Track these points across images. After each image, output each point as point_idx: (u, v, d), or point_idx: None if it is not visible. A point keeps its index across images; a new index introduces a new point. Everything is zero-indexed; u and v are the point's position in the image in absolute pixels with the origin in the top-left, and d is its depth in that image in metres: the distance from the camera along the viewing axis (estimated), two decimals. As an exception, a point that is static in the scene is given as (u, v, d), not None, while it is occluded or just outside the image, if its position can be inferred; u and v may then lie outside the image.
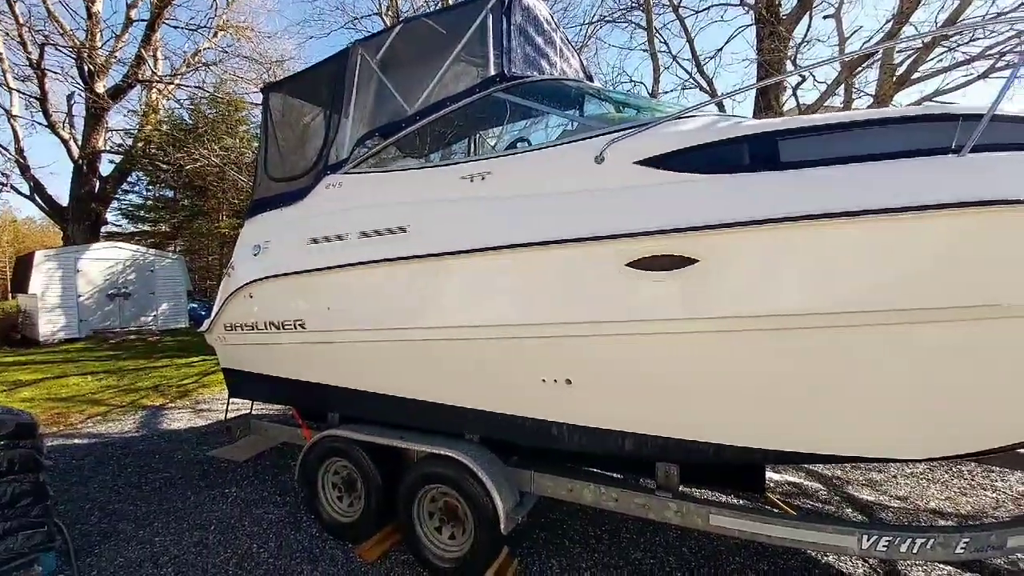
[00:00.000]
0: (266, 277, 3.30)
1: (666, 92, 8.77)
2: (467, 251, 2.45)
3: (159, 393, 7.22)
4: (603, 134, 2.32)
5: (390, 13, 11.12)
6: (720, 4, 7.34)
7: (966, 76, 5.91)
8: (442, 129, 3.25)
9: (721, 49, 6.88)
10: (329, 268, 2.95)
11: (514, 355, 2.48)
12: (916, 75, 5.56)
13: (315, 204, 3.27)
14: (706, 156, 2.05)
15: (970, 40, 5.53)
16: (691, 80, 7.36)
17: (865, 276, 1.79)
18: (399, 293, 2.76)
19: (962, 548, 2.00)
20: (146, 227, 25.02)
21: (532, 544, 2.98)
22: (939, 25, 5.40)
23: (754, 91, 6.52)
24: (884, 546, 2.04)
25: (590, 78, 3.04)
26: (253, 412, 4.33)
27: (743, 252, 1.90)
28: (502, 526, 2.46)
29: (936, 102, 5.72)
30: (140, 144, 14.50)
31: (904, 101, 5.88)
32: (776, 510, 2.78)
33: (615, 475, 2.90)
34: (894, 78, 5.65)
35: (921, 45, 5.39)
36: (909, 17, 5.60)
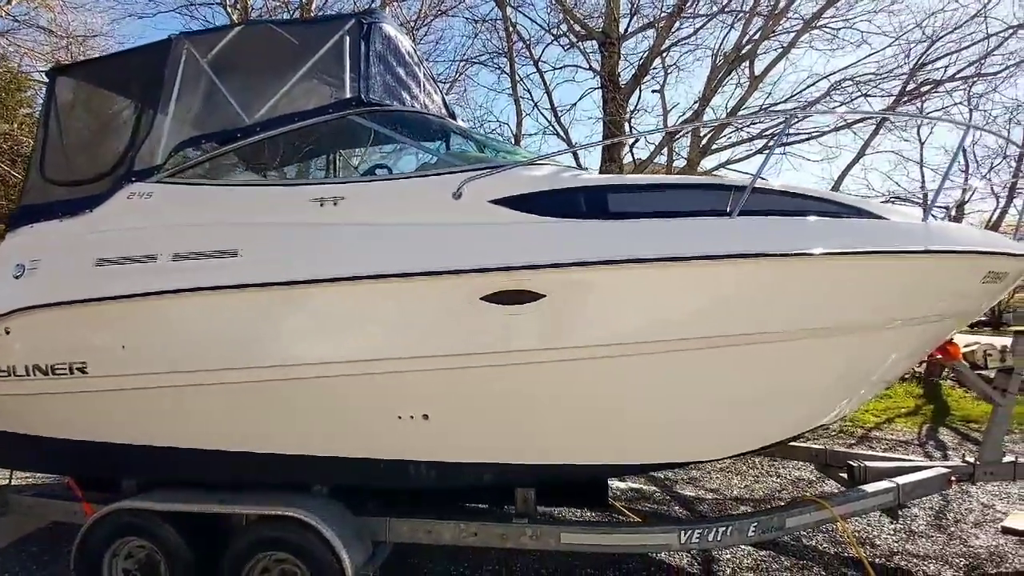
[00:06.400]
0: (33, 307, 2.53)
1: (529, 135, 9.73)
2: (317, 281, 2.23)
3: None
4: (461, 171, 2.38)
5: (238, 7, 9.80)
6: (572, 66, 8.60)
7: (747, 151, 8.08)
8: (289, 146, 2.96)
9: (575, 104, 8.00)
10: (125, 297, 2.39)
11: (368, 392, 2.32)
12: (714, 146, 7.26)
13: (110, 217, 2.65)
14: (552, 201, 2.25)
15: (750, 124, 7.44)
16: (551, 127, 8.27)
17: (678, 307, 2.15)
18: (225, 327, 2.37)
19: (752, 531, 2.45)
20: None
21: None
22: (728, 112, 7.12)
23: (600, 145, 7.68)
24: (697, 539, 2.38)
25: (453, 116, 3.12)
26: (12, 483, 3.25)
27: (582, 288, 2.12)
28: (350, 586, 2.20)
29: (729, 169, 7.52)
30: None
31: (707, 165, 7.57)
32: (620, 519, 3.07)
33: (479, 505, 2.87)
34: (700, 147, 7.25)
35: (716, 124, 7.12)
36: (709, 102, 7.29)
